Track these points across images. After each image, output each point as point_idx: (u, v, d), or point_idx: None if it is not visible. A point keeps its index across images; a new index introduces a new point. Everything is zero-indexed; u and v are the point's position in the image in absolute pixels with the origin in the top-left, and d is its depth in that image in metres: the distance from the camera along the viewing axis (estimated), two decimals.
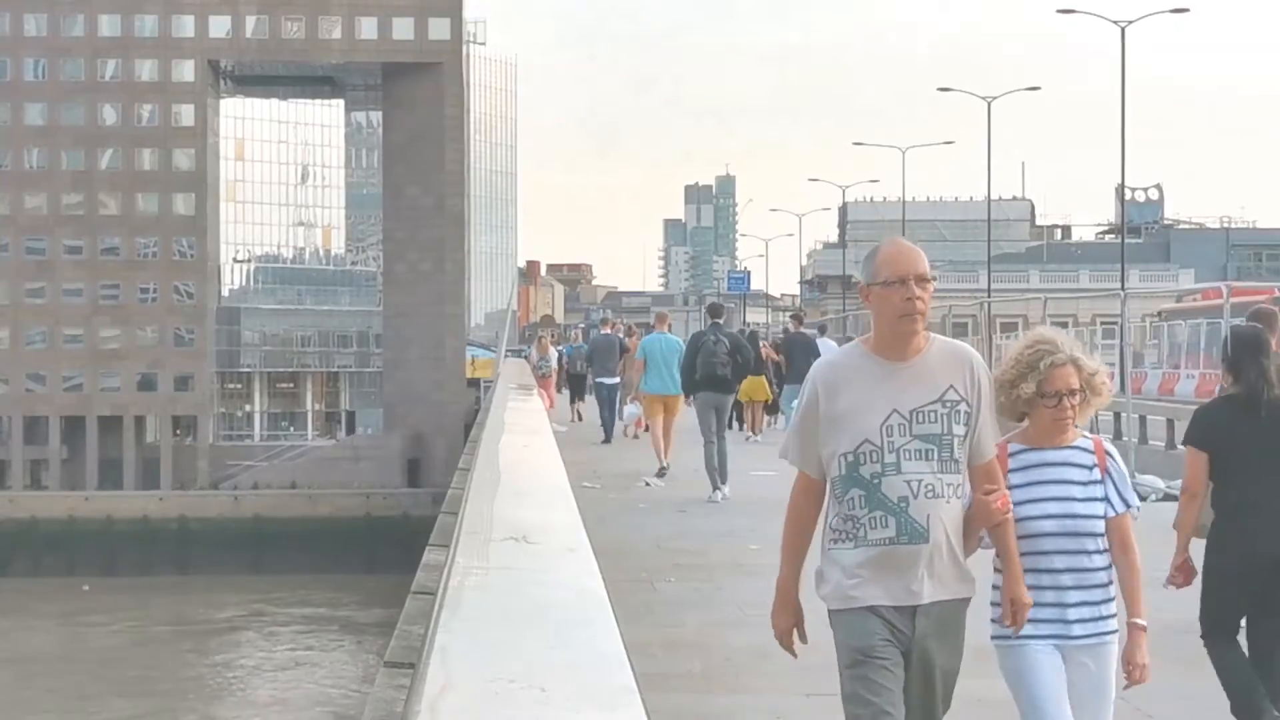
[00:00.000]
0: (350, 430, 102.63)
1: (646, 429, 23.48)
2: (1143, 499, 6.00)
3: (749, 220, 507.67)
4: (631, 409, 27.15)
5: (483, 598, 5.64)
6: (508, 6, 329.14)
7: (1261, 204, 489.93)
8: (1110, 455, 5.46)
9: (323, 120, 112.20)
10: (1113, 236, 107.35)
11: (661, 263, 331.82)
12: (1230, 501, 7.13)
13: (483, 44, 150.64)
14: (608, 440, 26.59)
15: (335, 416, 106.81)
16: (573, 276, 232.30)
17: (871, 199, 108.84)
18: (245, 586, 69.68)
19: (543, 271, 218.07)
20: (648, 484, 19.26)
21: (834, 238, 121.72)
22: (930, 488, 4.84)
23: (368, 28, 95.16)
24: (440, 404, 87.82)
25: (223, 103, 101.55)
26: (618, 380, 28.66)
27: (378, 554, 70.99)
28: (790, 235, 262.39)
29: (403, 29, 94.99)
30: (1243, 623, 7.28)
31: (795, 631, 5.08)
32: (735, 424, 26.49)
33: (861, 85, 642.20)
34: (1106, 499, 5.37)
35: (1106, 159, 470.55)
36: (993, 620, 5.28)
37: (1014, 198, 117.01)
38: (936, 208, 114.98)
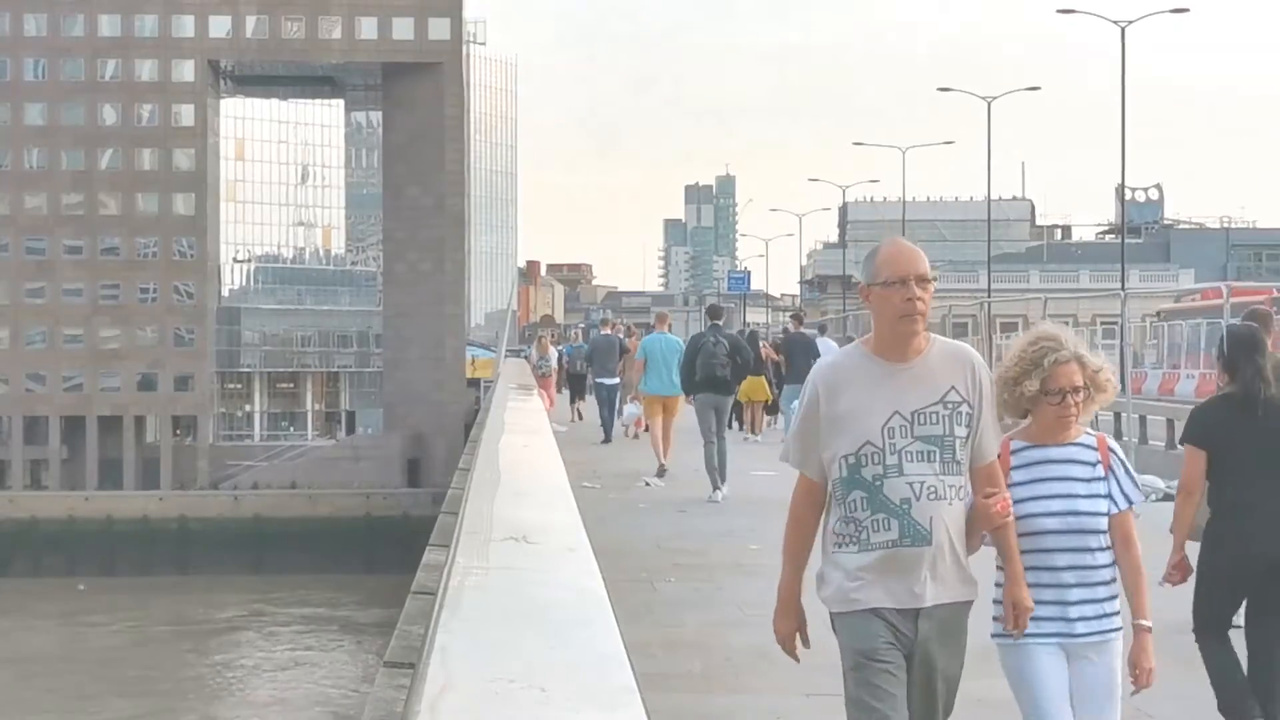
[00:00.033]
0: (350, 430, 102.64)
1: (646, 429, 23.48)
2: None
3: (749, 220, 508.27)
4: (631, 409, 27.17)
5: (483, 598, 5.64)
6: (508, 6, 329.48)
7: (1261, 204, 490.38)
8: (1113, 452, 5.42)
9: (323, 120, 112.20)
10: (1113, 236, 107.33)
11: (661, 263, 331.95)
12: (1227, 501, 7.14)
13: (483, 44, 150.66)
14: (607, 440, 26.62)
15: (335, 416, 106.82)
16: (573, 276, 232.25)
17: (871, 199, 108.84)
18: (245, 586, 69.67)
19: (543, 271, 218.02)
20: (648, 484, 19.27)
21: (834, 238, 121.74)
22: (933, 489, 4.82)
23: (368, 28, 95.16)
24: (440, 404, 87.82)
25: (223, 103, 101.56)
26: (617, 380, 28.68)
27: (378, 554, 70.98)
28: (790, 235, 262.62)
29: (403, 29, 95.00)
30: (1241, 622, 7.32)
31: (798, 636, 5.05)
32: (735, 424, 26.51)
33: (861, 85, 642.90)
34: (1110, 496, 5.34)
35: (1106, 159, 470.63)
36: (995, 619, 5.26)
37: (1014, 198, 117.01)
38: (936, 208, 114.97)
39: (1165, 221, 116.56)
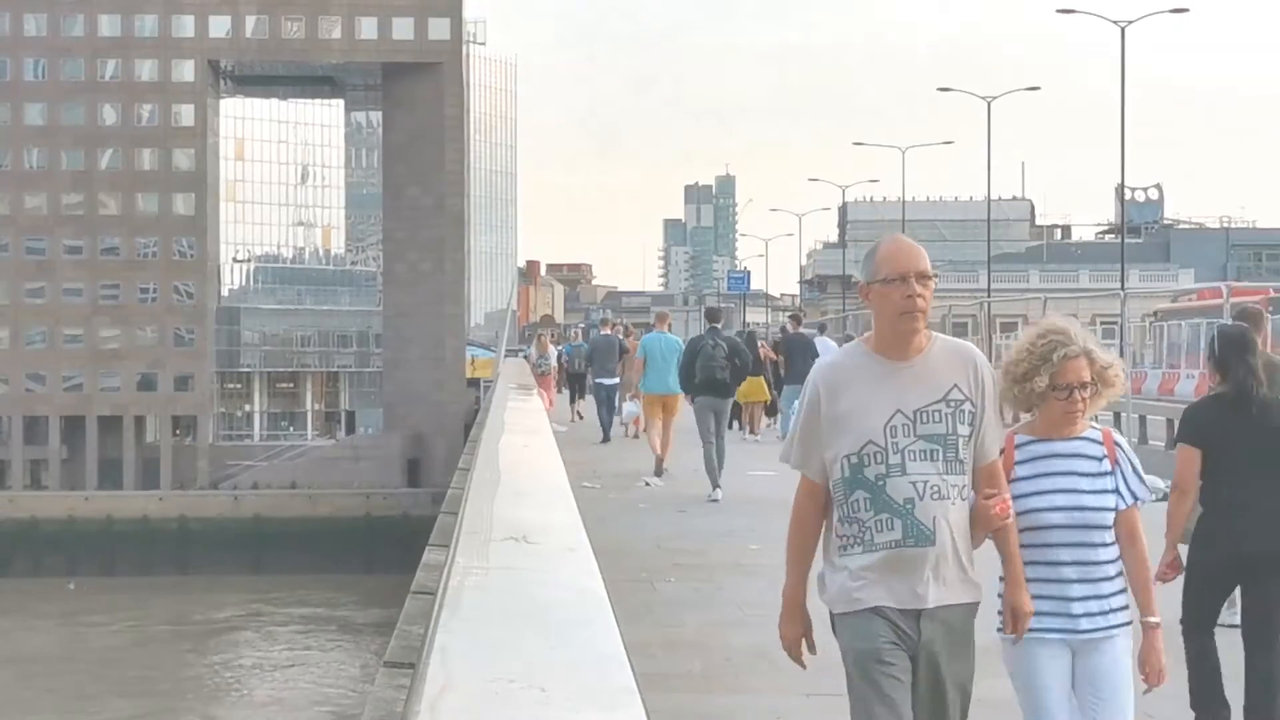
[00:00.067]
0: (350, 430, 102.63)
1: (646, 429, 23.48)
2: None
3: (749, 220, 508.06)
4: (631, 407, 27.16)
5: (483, 598, 5.64)
6: (508, 6, 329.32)
7: (1261, 204, 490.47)
8: (1119, 446, 5.37)
9: (323, 120, 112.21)
10: (1113, 236, 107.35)
11: (661, 263, 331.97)
12: (1220, 500, 7.18)
13: (483, 44, 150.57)
14: (606, 440, 26.63)
15: (335, 416, 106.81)
16: (573, 276, 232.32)
17: (871, 199, 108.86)
18: (245, 586, 69.69)
19: (543, 271, 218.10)
20: (648, 484, 19.29)
21: (834, 238, 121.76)
22: (936, 489, 4.77)
23: (368, 28, 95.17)
24: (440, 404, 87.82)
25: (223, 103, 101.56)
26: (617, 380, 28.70)
27: (377, 554, 70.99)
28: (790, 235, 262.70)
29: (403, 29, 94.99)
30: (1237, 621, 7.39)
31: (804, 641, 4.99)
32: (734, 424, 26.52)
33: (861, 85, 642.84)
34: (1117, 491, 5.29)
35: (1106, 159, 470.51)
36: (999, 612, 5.22)
37: (1014, 198, 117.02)
38: (936, 208, 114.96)
39: (1165, 221, 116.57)
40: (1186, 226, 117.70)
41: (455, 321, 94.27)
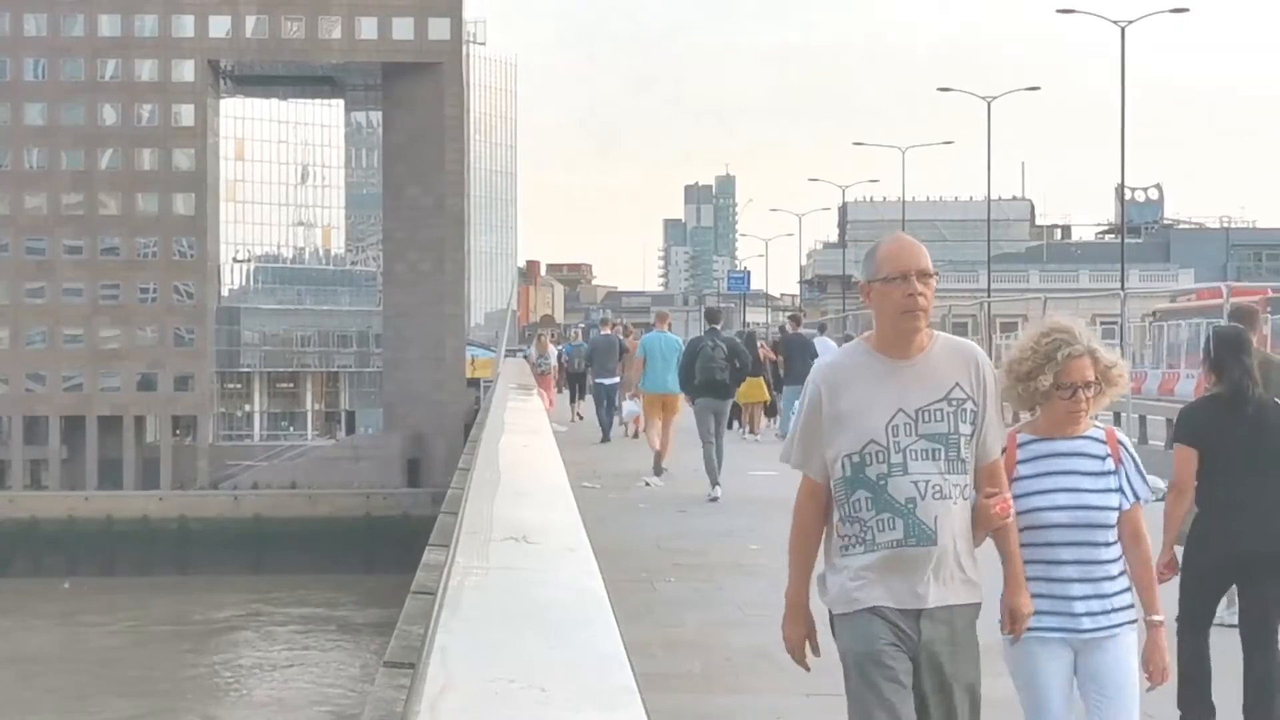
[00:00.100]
0: (350, 430, 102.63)
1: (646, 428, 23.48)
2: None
3: (749, 220, 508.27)
4: (631, 405, 27.16)
5: (483, 598, 5.64)
6: (508, 6, 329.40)
7: (1261, 204, 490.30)
8: (1123, 445, 5.35)
9: (323, 120, 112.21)
10: (1113, 236, 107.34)
11: (661, 263, 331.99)
12: (1216, 500, 7.20)
13: (483, 44, 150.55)
14: (606, 440, 26.63)
15: (335, 416, 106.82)
16: (573, 276, 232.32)
17: (871, 199, 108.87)
18: (245, 586, 69.67)
19: (543, 271, 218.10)
20: (648, 484, 19.29)
21: (834, 238, 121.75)
22: (938, 488, 4.73)
23: (368, 28, 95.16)
24: (440, 404, 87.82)
25: (223, 103, 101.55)
26: (617, 380, 28.70)
27: (377, 554, 70.98)
28: (790, 235, 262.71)
29: (403, 29, 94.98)
30: (1234, 621, 7.42)
31: (808, 644, 4.94)
32: (734, 424, 26.53)
33: (861, 85, 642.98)
34: (1121, 490, 5.27)
35: (1106, 159, 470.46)
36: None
37: (1014, 198, 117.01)
38: (936, 208, 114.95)
39: (1165, 221, 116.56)
40: (1186, 226, 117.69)
41: (455, 321, 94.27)
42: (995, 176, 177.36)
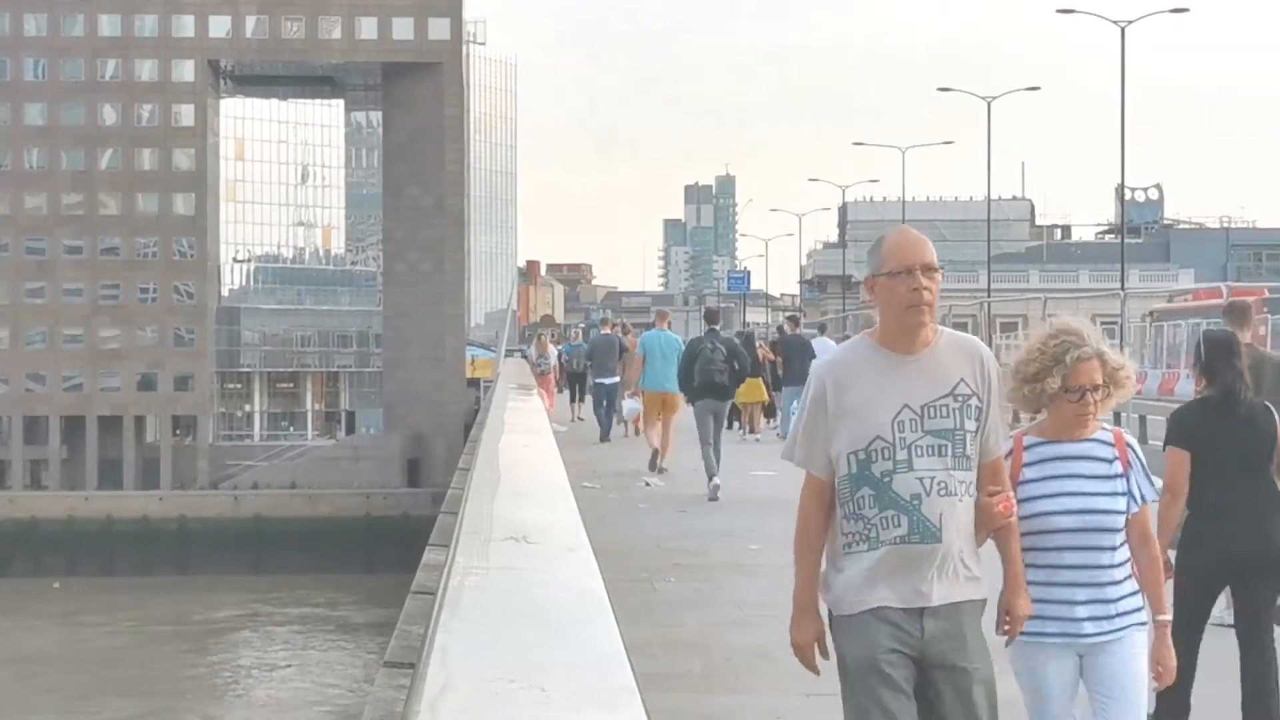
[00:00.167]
0: (350, 430, 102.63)
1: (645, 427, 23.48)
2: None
3: (749, 220, 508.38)
4: (631, 404, 27.14)
5: (483, 598, 5.64)
6: (508, 6, 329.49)
7: (1261, 204, 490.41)
8: (1131, 447, 5.31)
9: (323, 120, 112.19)
10: (1113, 236, 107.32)
11: (661, 263, 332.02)
12: (1208, 502, 7.21)
13: (483, 44, 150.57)
14: (606, 440, 26.63)
15: (335, 416, 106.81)
16: (573, 276, 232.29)
17: (871, 199, 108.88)
18: (245, 586, 69.66)
19: (543, 271, 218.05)
20: (648, 484, 19.29)
21: (834, 238, 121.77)
22: (943, 485, 4.66)
23: (368, 28, 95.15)
24: (440, 404, 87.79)
25: (223, 103, 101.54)
26: (616, 380, 28.70)
27: (377, 554, 70.94)
28: (790, 235, 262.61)
29: (403, 29, 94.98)
30: (1231, 621, 7.45)
31: (816, 645, 4.82)
32: (734, 423, 26.55)
33: (861, 85, 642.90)
34: (1129, 493, 5.24)
35: (1106, 159, 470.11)
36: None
37: (1014, 198, 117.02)
38: (936, 208, 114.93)
39: (1165, 221, 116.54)
40: (1186, 226, 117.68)
41: (455, 321, 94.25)
42: (995, 176, 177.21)
